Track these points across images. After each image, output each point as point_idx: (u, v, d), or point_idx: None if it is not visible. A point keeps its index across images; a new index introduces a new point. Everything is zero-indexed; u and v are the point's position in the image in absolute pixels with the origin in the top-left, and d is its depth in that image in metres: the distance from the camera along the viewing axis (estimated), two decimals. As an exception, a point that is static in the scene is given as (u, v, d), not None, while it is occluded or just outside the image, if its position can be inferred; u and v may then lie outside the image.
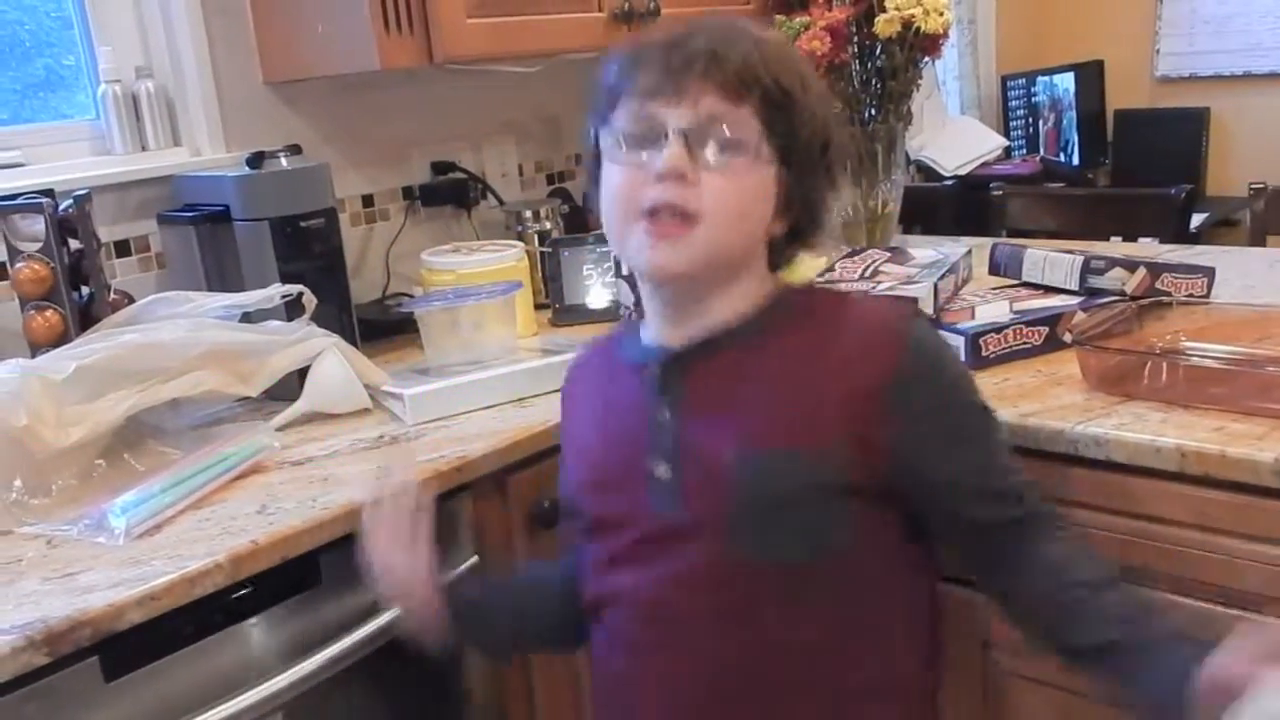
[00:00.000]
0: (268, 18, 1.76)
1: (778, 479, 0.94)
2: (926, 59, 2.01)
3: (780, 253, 1.02)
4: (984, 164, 3.42)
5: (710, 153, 0.93)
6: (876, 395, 0.94)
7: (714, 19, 0.99)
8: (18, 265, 1.40)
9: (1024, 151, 3.79)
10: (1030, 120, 3.83)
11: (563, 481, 1.11)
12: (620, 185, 0.95)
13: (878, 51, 1.98)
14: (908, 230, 2.50)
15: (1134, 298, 1.51)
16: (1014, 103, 3.80)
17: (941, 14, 1.92)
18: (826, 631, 0.96)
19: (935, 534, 1.01)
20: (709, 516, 0.95)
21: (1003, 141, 3.56)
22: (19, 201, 1.41)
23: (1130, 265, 1.54)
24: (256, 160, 1.55)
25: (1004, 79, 3.80)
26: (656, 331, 1.03)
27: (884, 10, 1.91)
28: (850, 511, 0.95)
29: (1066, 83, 3.90)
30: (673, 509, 0.96)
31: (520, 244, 1.84)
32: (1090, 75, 3.99)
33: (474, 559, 1.31)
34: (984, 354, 1.40)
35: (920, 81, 2.06)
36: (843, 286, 1.50)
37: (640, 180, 0.94)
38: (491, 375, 1.47)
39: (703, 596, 0.96)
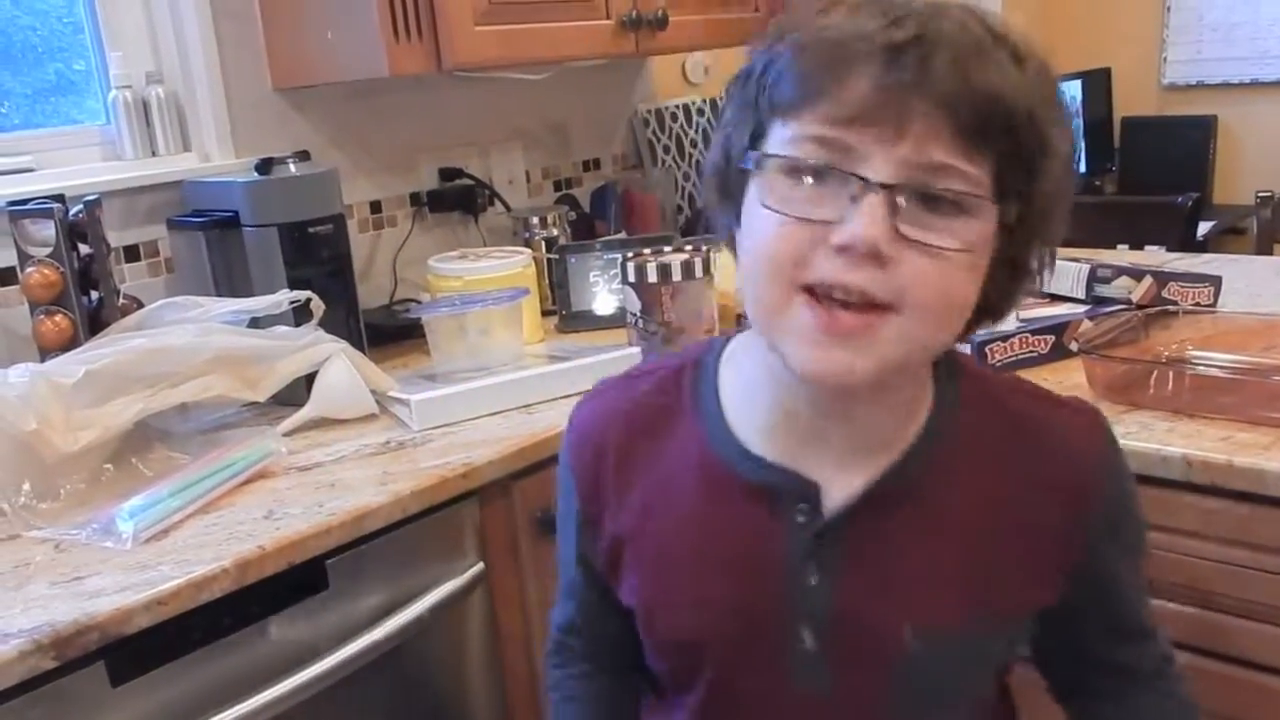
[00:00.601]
0: (277, 24, 1.77)
1: (955, 661, 0.78)
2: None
3: (974, 324, 0.74)
4: (991, 171, 3.44)
5: (922, 223, 0.65)
6: (1069, 551, 0.78)
7: (953, 10, 0.67)
8: (28, 270, 1.40)
9: (1031, 159, 3.78)
10: (1037, 128, 3.83)
11: (636, 607, 0.84)
12: (776, 243, 0.67)
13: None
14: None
15: (1140, 306, 1.51)
16: (1021, 110, 3.80)
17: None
18: None
19: (1059, 639, 0.85)
20: (865, 700, 0.78)
21: (1009, 149, 3.58)
22: (30, 207, 1.41)
23: (1136, 274, 1.54)
24: (265, 166, 1.55)
25: (1011, 86, 3.80)
26: (776, 434, 0.78)
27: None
28: (1003, 670, 0.85)
29: (1073, 90, 3.89)
30: (818, 681, 0.78)
31: (527, 251, 1.84)
32: (1097, 83, 3.99)
33: (479, 565, 1.31)
34: (990, 362, 1.41)
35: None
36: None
37: (810, 241, 0.66)
38: (498, 382, 1.47)
39: None
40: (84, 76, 1.75)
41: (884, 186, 0.64)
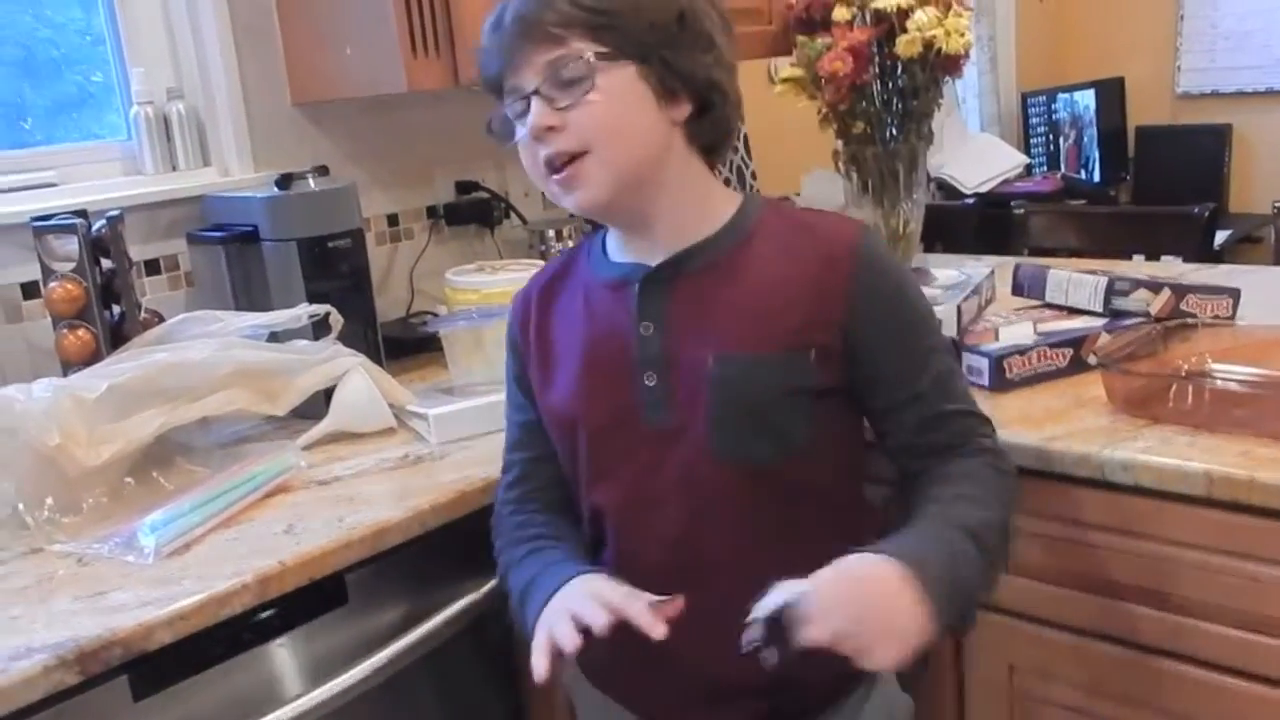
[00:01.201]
0: (297, 40, 1.79)
1: (751, 382, 1.04)
2: (947, 78, 2.02)
3: (702, 133, 1.08)
4: (1005, 181, 3.43)
5: (560, 96, 1.01)
6: (833, 307, 1.04)
7: None
8: (51, 285, 1.41)
9: (1045, 169, 3.78)
10: (1051, 137, 3.83)
11: (541, 401, 1.15)
12: (523, 155, 1.06)
13: (899, 71, 1.98)
14: (929, 249, 2.50)
15: (1158, 319, 1.50)
16: (1034, 120, 3.79)
17: (963, 35, 1.92)
18: (784, 514, 1.07)
19: (874, 426, 1.13)
20: (692, 419, 1.05)
21: (1023, 159, 3.57)
22: (53, 222, 1.43)
23: (1154, 286, 1.54)
24: (285, 182, 1.57)
25: (1024, 96, 3.80)
26: (625, 248, 1.11)
27: (905, 31, 1.91)
28: (815, 412, 1.05)
29: (1087, 99, 3.89)
30: (661, 414, 1.06)
31: (543, 263, 1.84)
32: (1111, 92, 3.98)
33: (496, 580, 1.31)
34: (1008, 376, 1.40)
35: (941, 101, 2.07)
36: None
37: (532, 145, 1.03)
38: (516, 395, 1.47)
39: (683, 493, 1.06)
40: (103, 89, 1.77)
41: (532, 93, 1.01)
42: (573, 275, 1.16)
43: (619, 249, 1.12)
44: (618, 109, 1.02)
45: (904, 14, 1.92)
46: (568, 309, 1.14)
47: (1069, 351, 1.44)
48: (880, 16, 1.92)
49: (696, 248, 1.08)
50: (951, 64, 1.97)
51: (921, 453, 1.09)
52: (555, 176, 1.03)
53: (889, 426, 1.11)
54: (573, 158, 1.02)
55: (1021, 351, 1.42)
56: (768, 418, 1.05)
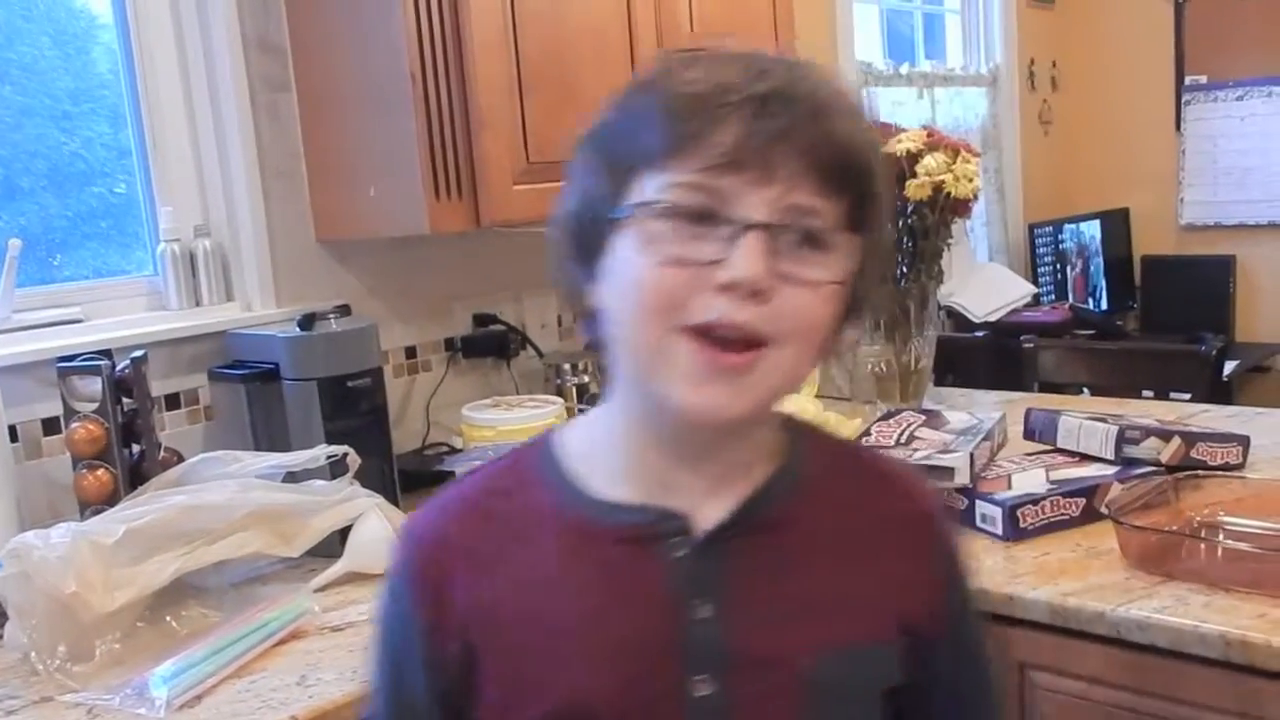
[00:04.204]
0: (323, 181, 1.84)
1: (855, 680, 0.76)
2: (956, 219, 2.06)
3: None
4: (1013, 311, 3.46)
5: (796, 258, 0.69)
6: (926, 578, 0.80)
7: (804, 66, 0.73)
8: (73, 425, 1.43)
9: (1053, 298, 3.82)
10: (1058, 266, 3.88)
11: (489, 702, 0.76)
12: (655, 283, 0.69)
13: (909, 212, 2.03)
14: (939, 381, 2.51)
15: (1170, 468, 1.51)
16: (1041, 249, 3.85)
17: (971, 180, 1.97)
18: None
19: None
20: None
21: (1031, 288, 3.59)
22: (78, 363, 1.45)
23: (1165, 435, 1.55)
24: (307, 322, 1.59)
25: (1031, 226, 3.86)
26: (645, 477, 0.76)
27: (914, 175, 1.96)
28: (891, 709, 0.79)
29: (1092, 230, 3.96)
30: None
31: (559, 400, 1.87)
32: (1116, 222, 4.05)
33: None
34: (1022, 526, 1.41)
35: (951, 240, 2.11)
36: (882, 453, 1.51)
37: (688, 283, 0.68)
38: (529, 538, 1.48)
39: None
40: (125, 200, 1.80)
41: (763, 226, 0.68)
42: (518, 515, 0.77)
43: (618, 480, 0.76)
44: (830, 309, 0.72)
45: (913, 158, 1.97)
46: (522, 565, 0.76)
47: (1081, 501, 1.45)
48: (889, 159, 1.97)
49: (760, 496, 0.76)
50: (961, 207, 2.01)
51: None
52: (729, 357, 0.69)
53: None
54: (748, 342, 0.69)
55: (1034, 501, 1.42)
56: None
